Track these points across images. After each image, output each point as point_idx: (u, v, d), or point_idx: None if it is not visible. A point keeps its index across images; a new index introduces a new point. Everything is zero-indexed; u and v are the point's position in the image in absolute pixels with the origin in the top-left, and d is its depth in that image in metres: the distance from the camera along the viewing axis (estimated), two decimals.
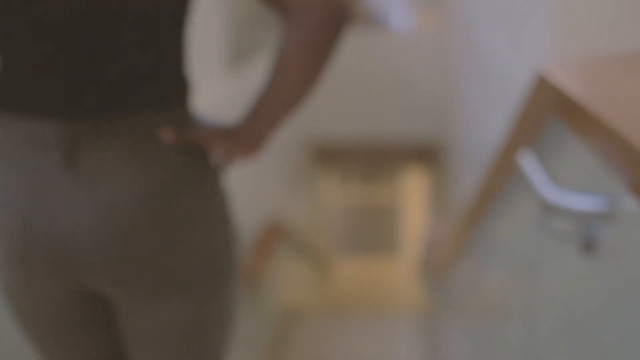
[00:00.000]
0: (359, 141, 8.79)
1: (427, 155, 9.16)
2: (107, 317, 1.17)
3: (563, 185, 0.82)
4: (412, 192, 12.67)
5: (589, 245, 0.83)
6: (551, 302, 1.18)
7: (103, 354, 1.20)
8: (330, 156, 9.20)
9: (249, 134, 1.03)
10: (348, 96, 7.17)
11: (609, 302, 0.85)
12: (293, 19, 0.94)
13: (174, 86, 1.02)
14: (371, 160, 9.24)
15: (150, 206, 1.00)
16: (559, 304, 1.12)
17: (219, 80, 3.06)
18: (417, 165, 9.36)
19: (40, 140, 0.98)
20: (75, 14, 0.93)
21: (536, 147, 1.14)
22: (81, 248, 1.01)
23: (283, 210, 6.57)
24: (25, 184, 1.00)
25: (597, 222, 0.82)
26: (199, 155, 1.05)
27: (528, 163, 0.92)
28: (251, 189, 3.87)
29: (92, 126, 0.97)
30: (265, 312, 4.16)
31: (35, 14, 0.93)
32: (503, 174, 1.38)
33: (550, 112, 0.98)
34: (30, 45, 0.95)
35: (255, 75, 4.46)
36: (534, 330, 1.28)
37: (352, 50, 8.48)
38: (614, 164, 0.70)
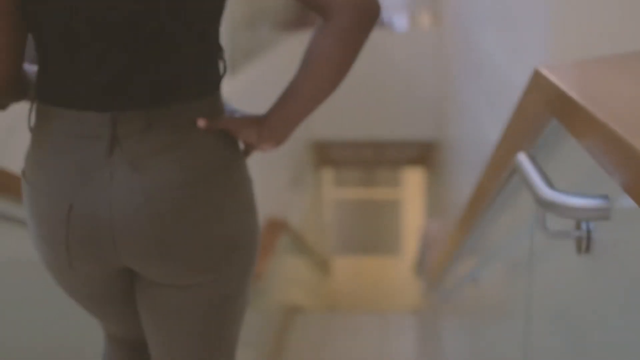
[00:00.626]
0: (358, 141, 8.78)
1: (425, 154, 9.16)
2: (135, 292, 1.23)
3: (560, 184, 0.83)
4: (411, 192, 12.68)
5: (585, 244, 0.84)
6: (548, 300, 1.18)
7: (138, 325, 1.29)
8: (330, 155, 9.19)
9: (275, 124, 1.10)
10: (348, 96, 7.16)
11: (604, 300, 0.86)
12: (331, 16, 0.98)
13: (212, 78, 1.09)
14: (370, 159, 9.24)
15: (187, 190, 1.06)
16: (555, 302, 1.13)
17: None
18: (416, 165, 9.36)
19: (86, 131, 1.04)
20: (130, 16, 0.99)
21: (533, 146, 1.15)
22: (124, 231, 1.06)
23: (283, 209, 6.57)
24: (71, 172, 1.05)
25: (593, 221, 0.83)
26: (228, 143, 1.11)
27: (525, 162, 0.93)
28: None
29: (136, 117, 1.03)
30: (264, 310, 4.16)
31: (92, 13, 0.99)
32: (500, 173, 1.38)
33: (547, 112, 0.99)
34: (85, 42, 1.01)
35: (248, 80, 4.47)
36: (530, 328, 1.28)
37: None
38: (610, 164, 0.70)
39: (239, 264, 1.15)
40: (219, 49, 1.10)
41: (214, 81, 1.10)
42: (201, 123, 1.05)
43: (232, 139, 1.12)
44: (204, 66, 1.08)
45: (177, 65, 1.04)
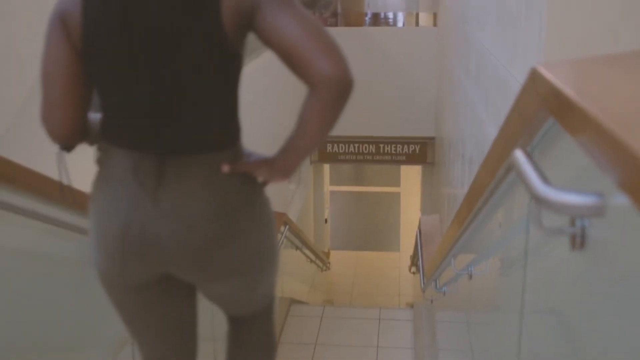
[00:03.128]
0: (357, 137, 8.78)
1: (422, 151, 9.16)
2: (181, 296, 1.61)
3: (556, 181, 0.84)
4: (409, 188, 12.68)
5: (579, 241, 0.85)
6: (542, 296, 1.19)
7: (179, 334, 1.68)
8: (329, 151, 9.19)
9: (282, 165, 1.43)
10: None
11: (598, 296, 0.87)
12: (313, 90, 1.26)
13: (232, 132, 1.44)
14: (369, 155, 9.24)
15: (216, 220, 1.40)
16: (549, 298, 1.14)
17: None
18: (413, 161, 9.36)
19: (138, 168, 1.37)
20: (166, 90, 1.33)
21: (530, 143, 1.16)
22: (164, 248, 1.40)
23: (283, 204, 6.58)
24: (125, 200, 1.38)
25: (588, 218, 0.84)
26: (248, 180, 1.45)
27: (522, 159, 0.93)
28: None
29: (174, 161, 1.37)
30: None
31: (142, 87, 1.33)
32: (497, 170, 1.39)
33: (544, 110, 0.99)
34: (133, 107, 1.36)
35: (246, 75, 4.45)
36: (524, 323, 1.29)
37: (350, 48, 8.47)
38: (605, 161, 0.71)
39: (257, 271, 1.54)
40: (236, 112, 1.42)
41: (236, 135, 1.44)
42: (225, 169, 1.39)
43: (250, 176, 1.45)
44: (228, 124, 1.42)
45: (201, 126, 1.38)
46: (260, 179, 1.47)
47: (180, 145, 1.37)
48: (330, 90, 1.24)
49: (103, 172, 1.43)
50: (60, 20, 1.35)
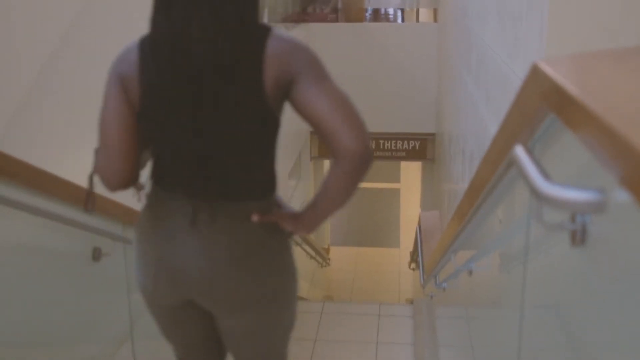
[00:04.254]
0: None
1: (423, 147, 9.16)
2: (203, 319, 1.75)
3: (557, 177, 0.84)
4: (409, 184, 12.68)
5: (580, 237, 0.84)
6: (542, 292, 1.20)
7: (207, 349, 1.87)
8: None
9: (307, 221, 1.58)
10: (348, 89, 7.14)
11: (598, 292, 0.87)
12: (337, 160, 1.41)
13: (267, 184, 1.58)
14: None
15: (238, 258, 1.56)
16: (549, 294, 1.14)
17: None
18: (414, 158, 9.36)
19: (176, 209, 1.55)
20: (212, 146, 1.48)
21: (531, 139, 1.16)
22: (191, 275, 1.58)
23: (283, 199, 6.56)
24: (163, 234, 1.58)
25: (588, 214, 0.83)
26: (275, 229, 1.59)
27: (522, 155, 0.93)
28: None
29: (209, 206, 1.53)
30: None
31: (187, 146, 1.49)
32: (498, 166, 1.39)
33: (544, 105, 0.99)
34: (181, 159, 1.53)
35: None
36: (524, 319, 1.29)
37: (351, 44, 8.46)
38: (606, 157, 0.71)
39: (274, 310, 1.67)
40: (273, 167, 1.58)
41: (271, 187, 1.59)
42: (254, 218, 1.53)
43: (276, 227, 1.59)
44: (264, 178, 1.57)
45: (236, 180, 1.53)
46: (285, 229, 1.61)
47: (220, 193, 1.53)
48: (353, 162, 1.39)
49: (149, 208, 1.63)
50: (118, 81, 1.49)
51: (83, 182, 1.66)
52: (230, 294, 1.59)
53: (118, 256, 2.49)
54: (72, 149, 2.69)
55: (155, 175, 1.60)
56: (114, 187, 1.59)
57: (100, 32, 2.96)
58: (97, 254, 2.27)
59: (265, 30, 1.43)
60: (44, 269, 1.98)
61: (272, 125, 1.48)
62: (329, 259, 9.24)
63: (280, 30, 1.45)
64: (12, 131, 2.21)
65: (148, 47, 1.46)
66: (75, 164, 2.63)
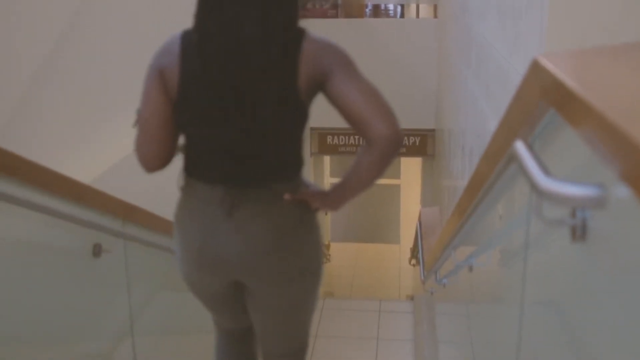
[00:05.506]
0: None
1: (423, 143, 9.15)
2: (244, 297, 1.92)
3: (557, 172, 0.84)
4: (410, 180, 12.67)
5: (580, 232, 0.84)
6: (542, 288, 1.20)
7: (244, 319, 2.05)
8: (330, 143, 9.18)
9: (334, 199, 1.75)
10: None
11: (598, 288, 0.87)
12: (370, 144, 1.55)
13: (296, 167, 1.73)
14: None
15: (275, 239, 1.70)
16: (550, 290, 1.14)
17: None
18: (414, 154, 9.36)
19: (212, 198, 1.68)
20: (248, 136, 1.61)
21: (531, 135, 1.15)
22: (233, 261, 1.72)
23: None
24: (202, 225, 1.71)
25: (589, 210, 0.83)
26: (303, 206, 1.74)
27: (522, 150, 0.93)
28: None
29: (244, 192, 1.67)
30: None
31: (218, 140, 1.63)
32: (498, 161, 1.39)
33: (545, 101, 0.99)
34: (217, 149, 1.65)
35: None
36: (524, 315, 1.29)
37: (351, 39, 8.45)
38: (606, 152, 0.71)
39: (308, 281, 1.83)
40: (301, 148, 1.71)
41: (299, 169, 1.73)
42: (286, 196, 1.68)
43: (306, 205, 1.74)
44: (294, 161, 1.72)
45: (270, 162, 1.67)
46: (313, 207, 1.76)
47: (255, 179, 1.67)
48: (385, 146, 1.53)
49: (186, 199, 1.75)
50: (159, 73, 1.62)
51: (83, 179, 1.67)
52: (273, 271, 1.73)
53: (118, 252, 2.49)
54: (72, 145, 2.69)
55: (189, 166, 1.72)
56: (151, 168, 1.74)
57: (100, 29, 2.95)
58: (97, 250, 2.27)
59: (301, 33, 1.59)
60: (44, 265, 1.98)
61: (302, 116, 1.63)
62: (329, 255, 9.25)
63: (313, 32, 1.62)
64: (12, 127, 2.21)
65: (194, 41, 1.58)
66: (76, 160, 2.63)
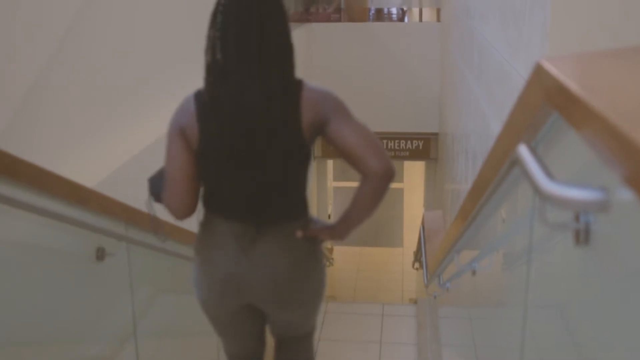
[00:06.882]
0: None
1: (426, 147, 9.15)
2: (257, 318, 2.14)
3: (561, 176, 0.84)
4: (413, 183, 12.66)
5: (583, 236, 0.84)
6: (545, 291, 1.19)
7: (254, 339, 2.25)
8: (333, 148, 9.17)
9: (340, 231, 1.94)
10: (350, 88, 7.14)
11: (602, 291, 0.87)
12: (365, 179, 1.77)
13: (304, 206, 1.94)
14: None
15: (291, 270, 1.91)
16: (553, 293, 1.14)
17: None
18: (417, 157, 9.36)
19: (235, 233, 1.88)
20: (261, 178, 1.81)
21: (535, 138, 1.15)
22: (255, 289, 1.93)
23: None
24: (226, 257, 1.91)
25: (592, 213, 0.83)
26: (313, 240, 1.95)
27: (526, 154, 0.93)
28: None
29: (262, 229, 1.87)
30: None
31: (239, 177, 1.82)
32: (501, 165, 1.39)
33: (548, 104, 0.99)
34: (235, 190, 1.85)
35: None
36: (527, 318, 1.29)
37: (354, 43, 8.46)
38: (609, 156, 0.71)
39: (316, 301, 2.07)
40: (306, 189, 1.92)
41: (306, 208, 1.95)
42: (299, 234, 1.90)
43: (315, 239, 1.95)
44: (301, 201, 1.93)
45: (288, 202, 1.89)
46: (321, 239, 1.98)
47: (270, 217, 1.86)
48: (378, 179, 1.74)
49: (207, 233, 1.94)
50: (179, 132, 1.81)
51: (84, 181, 1.66)
52: (289, 296, 1.95)
53: (122, 256, 2.49)
54: (75, 148, 2.70)
55: (209, 205, 1.92)
56: (181, 216, 1.93)
57: (104, 31, 2.96)
58: (100, 254, 2.27)
59: (299, 84, 1.76)
60: (48, 268, 1.99)
61: (307, 159, 1.84)
62: (333, 258, 9.24)
63: (308, 81, 1.80)
64: (15, 129, 2.21)
65: (206, 102, 1.77)
66: (79, 163, 2.63)
